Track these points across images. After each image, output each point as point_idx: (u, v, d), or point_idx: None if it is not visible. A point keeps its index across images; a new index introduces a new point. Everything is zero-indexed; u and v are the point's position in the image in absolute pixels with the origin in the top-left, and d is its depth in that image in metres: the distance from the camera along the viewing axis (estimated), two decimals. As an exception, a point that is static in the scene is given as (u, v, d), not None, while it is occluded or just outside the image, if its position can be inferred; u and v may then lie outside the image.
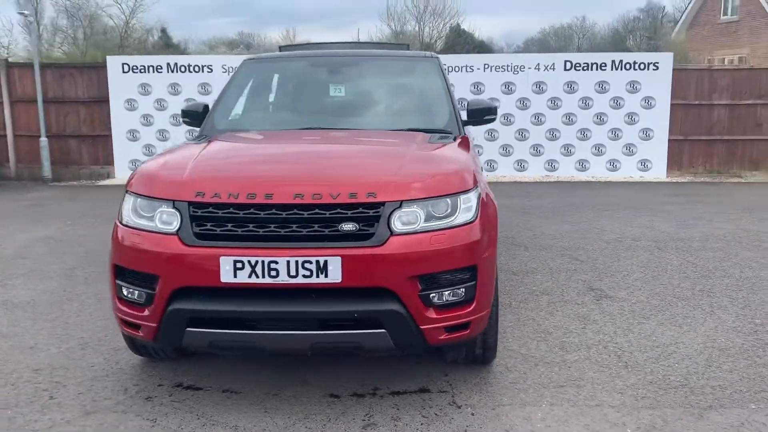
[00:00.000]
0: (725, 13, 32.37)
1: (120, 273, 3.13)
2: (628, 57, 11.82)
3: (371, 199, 2.92)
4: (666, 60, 11.69)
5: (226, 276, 2.86)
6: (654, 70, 11.59)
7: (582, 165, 11.88)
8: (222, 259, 2.86)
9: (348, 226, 2.89)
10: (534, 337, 3.99)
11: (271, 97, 4.76)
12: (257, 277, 2.85)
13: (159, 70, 11.82)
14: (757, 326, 4.17)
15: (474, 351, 3.44)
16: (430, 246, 2.93)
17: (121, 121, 11.97)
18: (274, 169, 3.30)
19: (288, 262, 2.84)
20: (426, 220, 2.96)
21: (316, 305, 2.88)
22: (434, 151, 3.55)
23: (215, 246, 2.90)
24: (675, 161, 12.00)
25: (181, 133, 11.65)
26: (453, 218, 3.01)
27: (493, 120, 4.51)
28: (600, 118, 11.76)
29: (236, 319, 2.93)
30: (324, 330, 2.91)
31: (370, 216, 2.91)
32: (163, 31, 37.25)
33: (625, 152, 11.83)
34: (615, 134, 11.80)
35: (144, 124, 11.96)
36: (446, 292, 2.98)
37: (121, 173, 11.93)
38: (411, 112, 4.40)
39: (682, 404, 3.14)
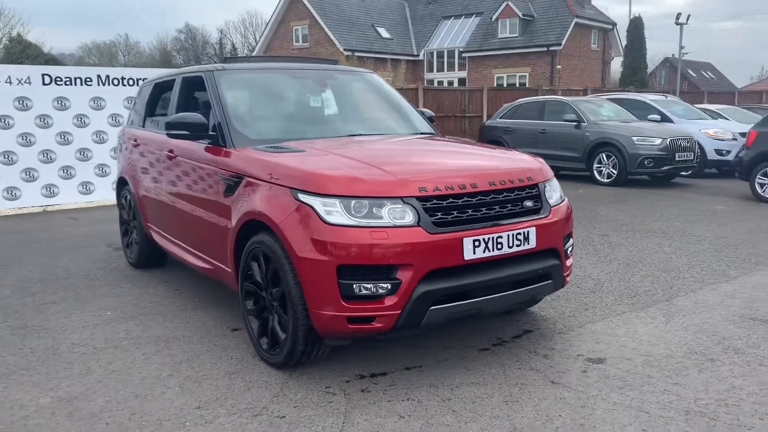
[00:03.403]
0: (297, 41, 37.25)
1: (348, 272, 3.25)
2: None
3: (531, 182, 3.79)
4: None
5: (468, 254, 3.38)
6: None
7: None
8: (465, 240, 3.37)
9: (529, 203, 3.72)
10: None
11: (276, 107, 4.79)
12: (489, 251, 3.46)
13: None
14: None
15: None
16: (566, 213, 3.97)
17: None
18: (457, 164, 3.79)
19: (508, 235, 3.53)
20: (556, 195, 3.98)
21: (520, 267, 3.62)
22: (505, 147, 4.46)
23: (454, 231, 3.37)
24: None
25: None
26: (560, 193, 4.09)
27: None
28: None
29: (468, 291, 3.44)
30: (519, 288, 3.66)
31: (533, 195, 3.78)
32: None
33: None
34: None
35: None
36: (569, 247, 4.05)
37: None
38: (405, 119, 5.08)
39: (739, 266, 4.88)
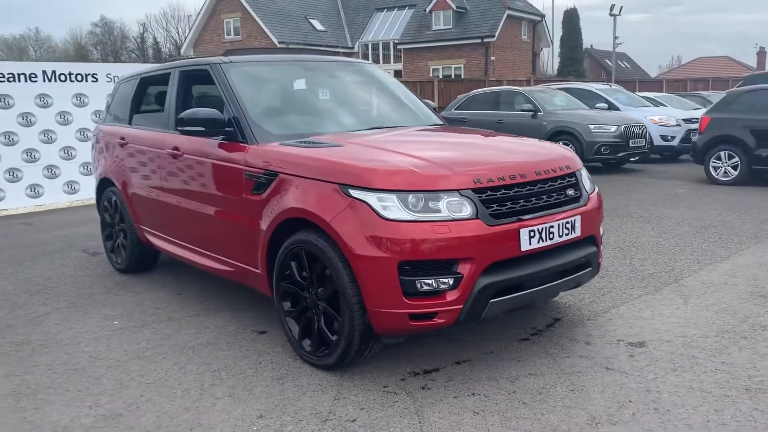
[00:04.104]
0: (228, 34, 36.38)
1: (409, 268, 3.16)
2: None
3: (569, 170, 3.80)
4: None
5: (525, 245, 3.36)
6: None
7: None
8: (521, 231, 3.34)
9: (571, 192, 3.73)
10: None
11: (291, 101, 4.60)
12: (542, 241, 3.44)
13: None
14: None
15: None
16: (599, 201, 4.01)
17: None
18: (501, 155, 3.73)
19: (559, 225, 3.52)
20: (588, 184, 4.01)
21: (568, 256, 3.62)
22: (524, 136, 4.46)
23: (511, 222, 3.34)
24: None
25: None
26: (591, 182, 4.12)
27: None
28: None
29: (523, 282, 3.41)
30: (566, 276, 3.67)
31: (573, 183, 3.79)
32: None
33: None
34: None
35: None
36: (602, 233, 4.10)
37: None
38: (416, 110, 4.99)
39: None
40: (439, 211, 3.20)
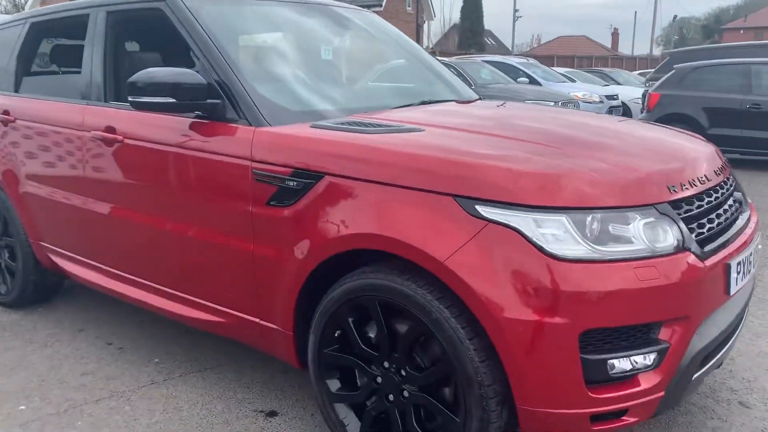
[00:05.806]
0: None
1: (597, 340, 1.91)
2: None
3: (729, 167, 2.70)
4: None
5: (733, 286, 2.21)
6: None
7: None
8: (730, 265, 2.18)
9: (739, 196, 2.61)
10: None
11: (302, 61, 3.06)
12: (744, 277, 2.31)
13: None
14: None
15: None
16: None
17: None
18: (670, 145, 2.49)
19: (753, 249, 2.40)
20: None
21: (746, 292, 2.51)
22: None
23: (719, 251, 2.15)
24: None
25: None
26: None
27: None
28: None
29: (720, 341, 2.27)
30: (741, 322, 2.56)
31: (735, 183, 2.68)
32: None
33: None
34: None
35: None
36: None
37: None
38: (450, 78, 3.65)
39: None
40: (631, 241, 1.95)
